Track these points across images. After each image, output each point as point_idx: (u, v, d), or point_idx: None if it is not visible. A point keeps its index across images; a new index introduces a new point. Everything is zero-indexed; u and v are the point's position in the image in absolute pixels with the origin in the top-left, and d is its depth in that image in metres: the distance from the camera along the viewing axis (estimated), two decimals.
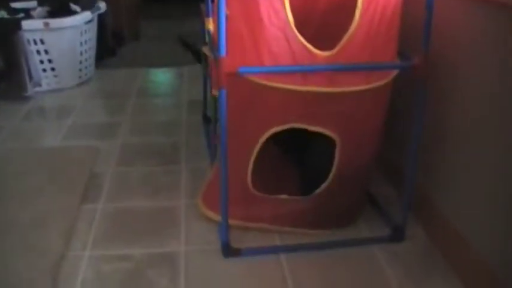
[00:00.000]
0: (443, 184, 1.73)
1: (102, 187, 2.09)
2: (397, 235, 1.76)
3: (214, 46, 1.54)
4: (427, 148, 1.80)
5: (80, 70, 3.34)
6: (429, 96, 1.68)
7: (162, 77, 3.59)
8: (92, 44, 3.46)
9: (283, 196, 1.73)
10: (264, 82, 1.49)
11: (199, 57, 2.50)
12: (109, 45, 3.87)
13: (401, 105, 1.93)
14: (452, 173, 1.68)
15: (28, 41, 3.06)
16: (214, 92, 1.66)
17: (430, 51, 1.56)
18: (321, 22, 1.87)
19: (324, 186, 1.68)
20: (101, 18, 3.60)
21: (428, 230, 1.79)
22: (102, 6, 3.52)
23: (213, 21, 1.86)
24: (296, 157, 2.01)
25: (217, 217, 1.74)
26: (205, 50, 1.90)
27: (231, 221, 1.68)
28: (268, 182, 1.77)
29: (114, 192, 2.05)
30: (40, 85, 3.18)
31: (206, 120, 2.59)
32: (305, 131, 1.59)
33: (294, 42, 1.48)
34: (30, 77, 3.07)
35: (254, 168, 1.65)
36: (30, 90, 3.07)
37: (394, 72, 1.60)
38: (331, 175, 1.65)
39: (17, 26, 3.03)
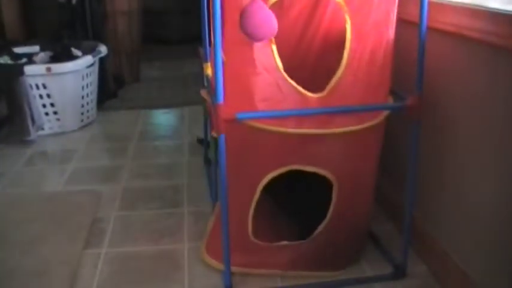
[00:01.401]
0: (443, 219, 1.76)
1: (105, 232, 2.12)
2: (399, 272, 1.78)
3: (212, 91, 1.58)
4: (425, 183, 1.83)
5: (82, 113, 3.40)
6: (424, 131, 1.72)
7: (163, 118, 3.64)
8: (94, 87, 3.52)
9: (284, 242, 1.75)
10: (258, 125, 1.53)
11: None
12: (110, 88, 3.94)
13: (396, 141, 1.97)
14: (450, 208, 1.71)
15: (30, 85, 3.12)
16: (214, 134, 1.70)
17: (423, 90, 1.60)
18: (316, 63, 1.93)
19: (322, 227, 1.70)
20: (102, 61, 3.67)
21: (430, 265, 1.81)
22: (103, 50, 3.59)
23: (211, 66, 1.92)
24: (292, 202, 2.03)
25: (220, 266, 1.77)
26: (204, 93, 1.95)
27: (233, 268, 1.71)
28: (266, 230, 1.79)
29: (117, 237, 2.08)
30: (43, 129, 3.23)
31: (208, 162, 2.63)
32: (300, 175, 1.62)
33: (284, 86, 1.53)
34: (33, 122, 3.13)
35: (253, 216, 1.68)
36: (33, 134, 3.12)
37: (386, 113, 1.64)
38: (328, 216, 1.68)
39: (19, 71, 3.10)
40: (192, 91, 4.05)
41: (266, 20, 1.42)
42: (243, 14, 1.41)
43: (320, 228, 1.70)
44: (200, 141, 2.91)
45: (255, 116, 1.53)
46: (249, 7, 1.41)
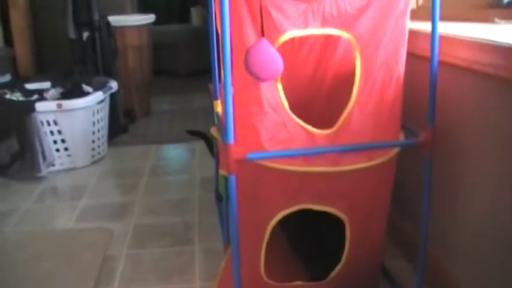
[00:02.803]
0: (458, 253, 1.74)
1: (116, 270, 2.11)
2: None
3: (222, 130, 1.58)
4: (439, 216, 1.81)
5: (93, 149, 3.42)
6: (436, 164, 1.70)
7: (173, 153, 3.66)
8: (104, 122, 3.55)
9: (298, 283, 1.73)
10: (266, 164, 1.52)
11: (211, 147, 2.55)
12: (121, 123, 3.97)
13: (408, 174, 1.95)
14: (466, 242, 1.68)
15: (41, 122, 3.16)
16: (223, 172, 1.70)
17: (435, 126, 1.59)
18: (327, 100, 1.93)
19: (338, 268, 1.68)
20: (113, 96, 3.71)
21: None
22: (114, 85, 3.63)
23: (221, 104, 1.92)
24: (303, 243, 2.02)
25: None
26: (214, 131, 1.95)
27: None
28: (279, 270, 1.77)
29: (127, 276, 2.07)
30: (53, 165, 3.25)
31: (219, 198, 2.62)
32: (313, 214, 1.61)
33: (291, 125, 1.53)
34: (44, 158, 3.15)
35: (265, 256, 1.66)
36: (44, 170, 3.14)
37: (397, 149, 1.63)
38: (343, 257, 1.66)
39: (31, 108, 3.14)
40: (202, 125, 4.07)
41: (271, 60, 1.42)
42: (247, 53, 1.42)
43: (336, 270, 1.68)
44: (192, 132, 2.86)
45: (265, 156, 1.52)
46: (253, 47, 1.42)
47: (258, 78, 1.45)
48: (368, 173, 1.59)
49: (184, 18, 7.11)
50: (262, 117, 1.51)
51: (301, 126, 1.55)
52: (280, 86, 1.52)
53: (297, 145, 1.54)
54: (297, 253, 1.99)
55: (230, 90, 1.44)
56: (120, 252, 2.25)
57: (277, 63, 1.44)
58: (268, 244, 1.63)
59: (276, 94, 1.51)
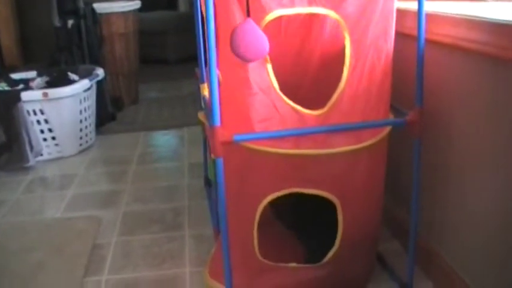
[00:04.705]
0: (448, 235, 1.73)
1: (106, 258, 2.09)
2: None
3: (209, 113, 1.56)
4: (430, 200, 1.81)
5: (81, 138, 3.39)
6: (426, 146, 1.70)
7: (162, 140, 3.63)
8: (92, 110, 3.52)
9: (292, 264, 1.72)
10: (256, 147, 1.51)
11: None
12: (108, 111, 3.93)
13: (399, 157, 1.95)
14: (456, 223, 1.68)
15: (28, 111, 3.12)
16: (213, 156, 1.69)
17: (424, 105, 1.58)
18: (315, 81, 1.91)
19: (332, 252, 1.67)
20: (100, 84, 3.67)
21: (437, 282, 1.78)
22: (100, 73, 3.59)
23: (207, 88, 1.90)
24: (299, 226, 2.01)
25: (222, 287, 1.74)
26: (201, 116, 1.93)
27: None
28: (274, 251, 1.76)
29: (117, 263, 2.05)
30: (41, 155, 3.22)
31: (208, 183, 2.61)
32: (306, 199, 1.60)
33: (281, 106, 1.51)
34: (31, 148, 3.12)
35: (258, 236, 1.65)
36: (32, 160, 3.11)
37: (388, 129, 1.62)
38: (337, 240, 1.65)
39: (16, 97, 3.10)
40: (191, 111, 4.06)
41: (257, 41, 1.41)
42: (233, 34, 1.40)
43: (330, 254, 1.67)
44: None
45: (251, 137, 1.51)
46: (239, 27, 1.40)
47: (244, 59, 1.43)
48: (359, 155, 1.57)
49: (171, 4, 7.05)
50: (251, 98, 1.49)
51: (292, 108, 1.53)
52: (270, 67, 1.50)
53: (287, 127, 1.52)
54: (293, 235, 1.98)
55: (215, 72, 1.42)
56: (109, 240, 2.24)
57: (263, 44, 1.42)
58: (262, 226, 1.62)
59: (265, 75, 1.49)
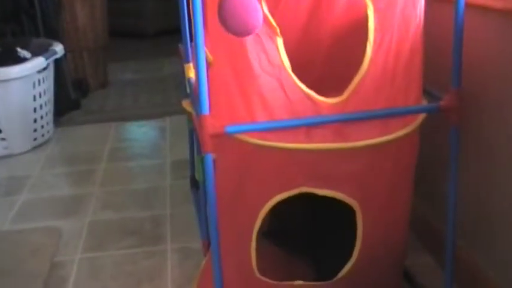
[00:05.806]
0: (493, 247, 1.75)
1: (67, 280, 2.11)
2: None
3: (196, 99, 1.58)
4: (472, 203, 1.82)
5: (35, 131, 3.41)
6: (466, 138, 1.70)
7: (138, 132, 3.66)
8: (49, 97, 3.53)
9: (299, 282, 1.73)
10: (259, 141, 1.52)
11: None
12: (70, 97, 3.95)
13: (433, 153, 1.96)
14: (503, 233, 1.70)
15: None
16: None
17: (464, 87, 1.59)
18: (328, 61, 1.93)
19: (348, 267, 1.68)
20: (58, 64, 3.68)
21: None
22: (59, 49, 3.60)
23: (194, 68, 1.92)
24: (308, 234, 2.03)
25: None
26: (186, 104, 1.95)
27: None
28: (276, 266, 1.79)
29: (82, 286, 2.08)
30: None
31: (195, 185, 2.63)
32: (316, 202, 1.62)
33: (292, 91, 1.52)
34: None
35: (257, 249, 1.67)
36: None
37: (420, 118, 1.62)
38: (355, 252, 1.67)
39: None
40: (174, 97, 4.08)
41: (246, 12, 1.42)
42: (220, 4, 1.41)
43: (345, 268, 1.69)
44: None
45: (248, 128, 1.52)
46: None
47: (234, 33, 1.44)
48: (384, 149, 1.57)
49: None
50: (252, 81, 1.50)
51: (305, 93, 1.53)
52: (280, 41, 1.50)
53: (297, 116, 1.52)
54: (299, 247, 2.01)
55: (203, 49, 1.44)
56: (72, 257, 2.26)
57: (256, 15, 1.43)
58: (260, 238, 1.65)
59: (275, 52, 1.50)
